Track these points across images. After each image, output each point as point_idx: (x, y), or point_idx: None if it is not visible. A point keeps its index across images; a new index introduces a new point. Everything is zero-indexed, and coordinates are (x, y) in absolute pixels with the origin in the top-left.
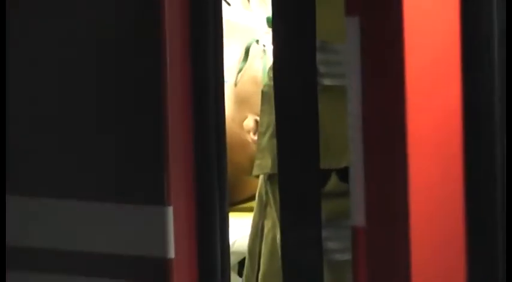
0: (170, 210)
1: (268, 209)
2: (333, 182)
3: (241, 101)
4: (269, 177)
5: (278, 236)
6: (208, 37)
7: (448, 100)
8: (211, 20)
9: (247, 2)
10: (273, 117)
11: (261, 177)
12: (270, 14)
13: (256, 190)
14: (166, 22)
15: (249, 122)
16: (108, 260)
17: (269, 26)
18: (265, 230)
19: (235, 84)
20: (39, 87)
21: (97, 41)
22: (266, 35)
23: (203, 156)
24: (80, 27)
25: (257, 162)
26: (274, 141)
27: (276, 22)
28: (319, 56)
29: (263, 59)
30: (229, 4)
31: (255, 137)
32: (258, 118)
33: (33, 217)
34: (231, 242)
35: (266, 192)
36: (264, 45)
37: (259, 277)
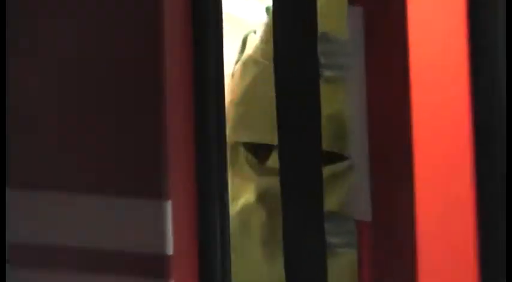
0: (169, 204)
1: None
2: None
3: None
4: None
5: None
6: (209, 36)
7: (455, 97)
8: (213, 18)
9: None
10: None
11: None
12: (269, 3)
13: None
14: (167, 21)
15: None
16: (106, 255)
17: (269, 16)
18: None
19: (232, 76)
20: (41, 81)
21: (97, 40)
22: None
23: (204, 150)
24: (81, 27)
25: None
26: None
27: (276, 13)
28: (319, 47)
29: None
30: None
31: None
32: None
33: (31, 211)
34: None
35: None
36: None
37: None
